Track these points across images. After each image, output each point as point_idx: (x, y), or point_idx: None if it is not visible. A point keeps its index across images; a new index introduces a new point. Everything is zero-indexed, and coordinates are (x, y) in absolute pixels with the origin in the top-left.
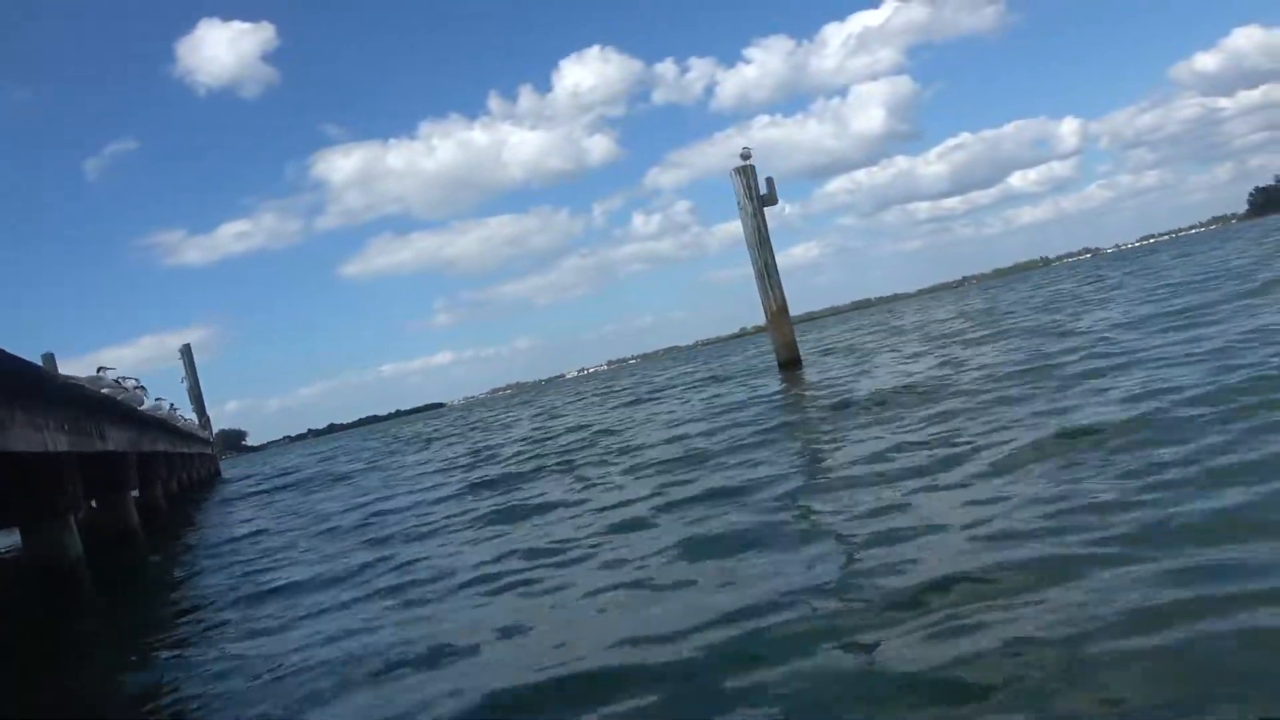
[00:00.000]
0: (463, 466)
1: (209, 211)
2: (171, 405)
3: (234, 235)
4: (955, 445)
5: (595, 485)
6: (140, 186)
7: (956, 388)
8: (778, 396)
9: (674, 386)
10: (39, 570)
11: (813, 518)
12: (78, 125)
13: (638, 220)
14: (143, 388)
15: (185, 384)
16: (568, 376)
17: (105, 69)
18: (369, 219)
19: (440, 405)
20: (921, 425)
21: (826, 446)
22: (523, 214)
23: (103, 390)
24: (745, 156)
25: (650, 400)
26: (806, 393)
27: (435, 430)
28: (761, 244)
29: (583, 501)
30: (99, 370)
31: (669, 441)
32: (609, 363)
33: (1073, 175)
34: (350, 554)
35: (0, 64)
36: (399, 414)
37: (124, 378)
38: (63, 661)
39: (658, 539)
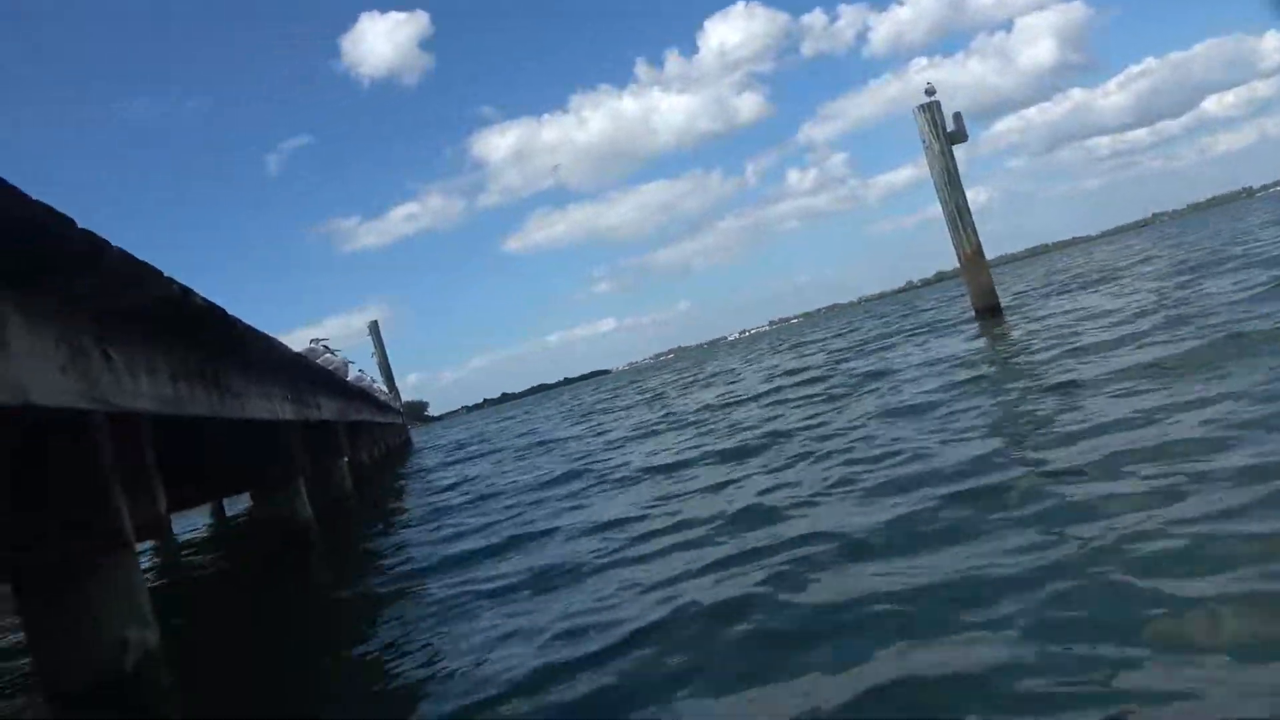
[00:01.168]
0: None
1: (379, 197)
2: (372, 379)
3: (403, 218)
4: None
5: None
6: (316, 177)
7: (1205, 322)
8: (985, 345)
9: (871, 342)
10: (276, 532)
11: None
12: (256, 125)
13: (792, 177)
14: (351, 361)
15: (374, 358)
16: (729, 338)
17: (277, 70)
18: (527, 195)
19: (605, 372)
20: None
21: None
22: (675, 179)
23: (317, 362)
24: (930, 93)
25: (857, 357)
26: (1024, 340)
27: (618, 394)
28: (951, 184)
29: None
30: (311, 342)
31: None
32: (771, 322)
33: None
34: (558, 506)
35: (183, 75)
36: (567, 381)
37: (333, 350)
38: (312, 612)
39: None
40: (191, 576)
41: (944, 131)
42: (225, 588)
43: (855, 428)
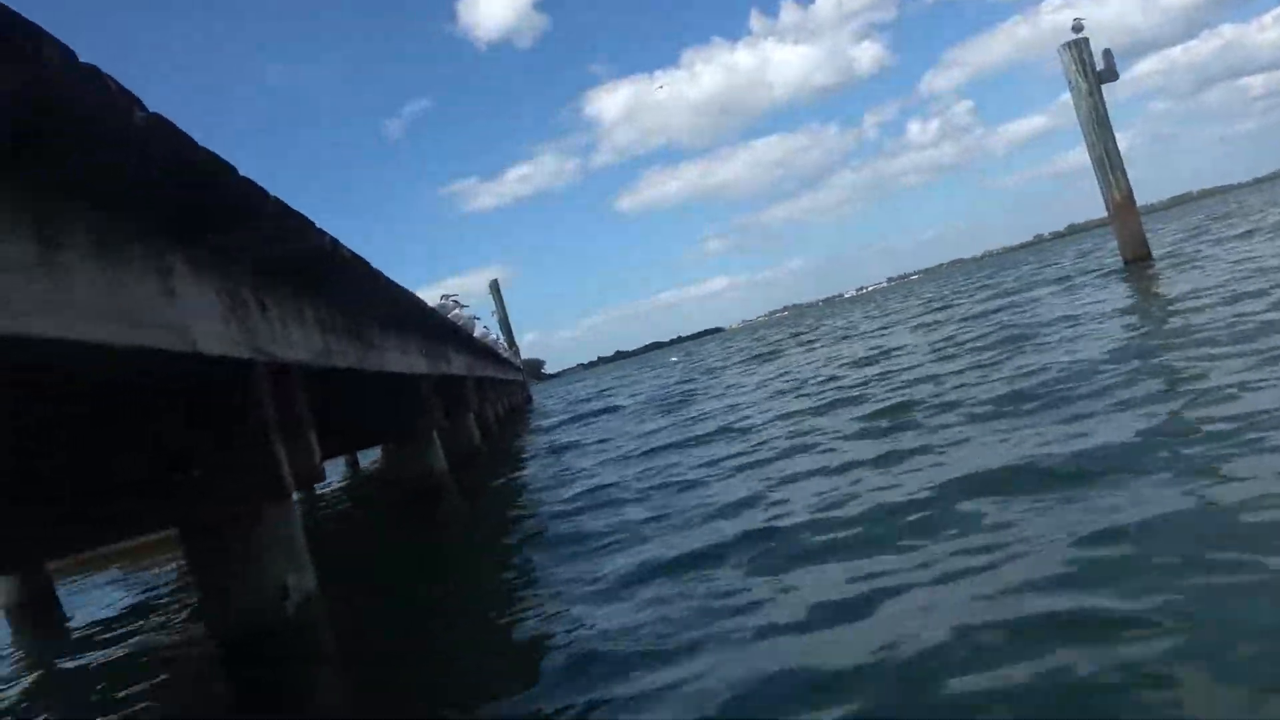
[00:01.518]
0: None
1: (496, 158)
2: (496, 336)
3: (518, 179)
4: None
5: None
6: (436, 141)
7: None
8: (1142, 297)
9: (1015, 294)
10: (413, 483)
11: None
12: (378, 91)
13: (913, 128)
14: (477, 318)
15: (495, 315)
16: (845, 296)
17: (397, 36)
18: (639, 153)
19: (719, 330)
20: None
21: None
22: (789, 133)
23: (448, 316)
24: (1077, 29)
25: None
26: (1185, 292)
27: (739, 350)
28: (1100, 126)
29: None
30: (442, 298)
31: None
32: (889, 279)
33: None
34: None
35: (309, 43)
36: (680, 339)
37: (462, 305)
38: (448, 560)
39: None
40: (331, 528)
41: (1092, 70)
42: (365, 537)
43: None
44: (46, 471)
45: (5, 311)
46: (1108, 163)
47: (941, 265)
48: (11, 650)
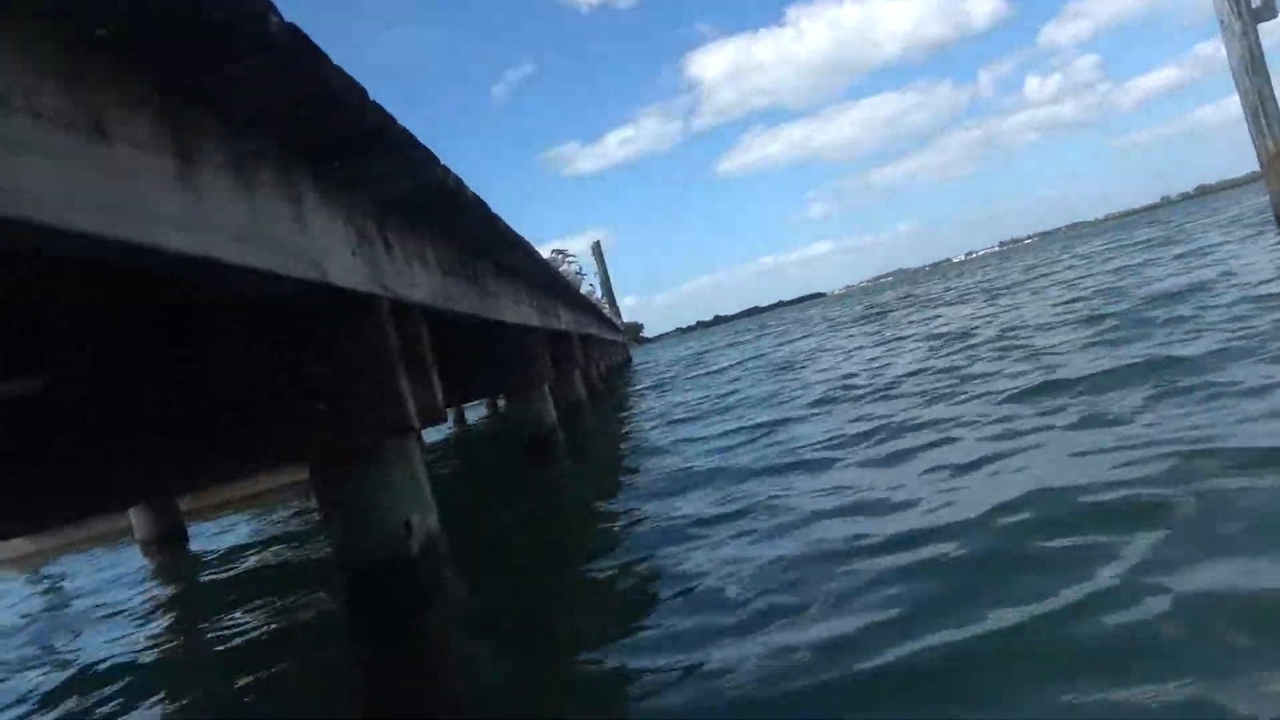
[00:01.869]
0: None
1: (597, 122)
2: (600, 296)
3: (619, 142)
4: None
5: None
6: (539, 105)
7: None
8: None
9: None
10: (523, 435)
11: None
12: (485, 56)
13: (1031, 84)
14: (583, 272)
15: (597, 276)
16: (954, 260)
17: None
18: (740, 114)
19: (820, 295)
20: None
21: None
22: (898, 91)
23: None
24: None
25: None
26: None
27: (847, 315)
28: (1254, 71)
29: None
30: (553, 252)
31: None
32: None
33: None
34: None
35: (418, 8)
36: (780, 305)
37: (570, 259)
38: (557, 510)
39: None
40: (443, 475)
41: (1247, 7)
42: (475, 487)
43: None
44: (178, 403)
45: (147, 223)
46: (1262, 112)
47: (1058, 229)
48: (147, 579)
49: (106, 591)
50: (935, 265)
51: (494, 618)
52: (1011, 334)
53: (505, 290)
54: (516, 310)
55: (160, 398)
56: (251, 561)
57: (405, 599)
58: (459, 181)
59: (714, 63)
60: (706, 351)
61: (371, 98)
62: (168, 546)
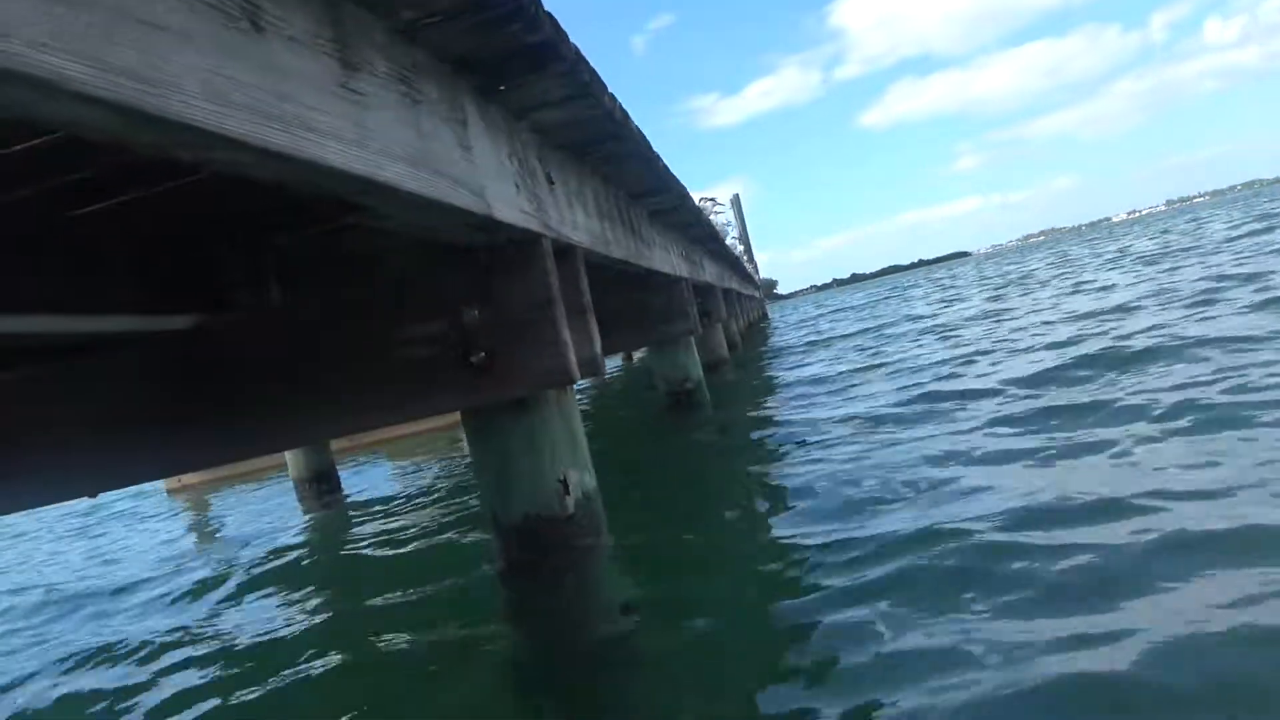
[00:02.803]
0: None
1: (736, 73)
2: (742, 249)
3: (759, 94)
4: None
5: None
6: (678, 56)
7: None
8: None
9: None
10: (670, 387)
11: None
12: (624, 5)
13: (1210, 28)
14: (730, 224)
15: (735, 232)
16: (1115, 220)
17: None
18: (887, 64)
19: (965, 254)
20: None
21: None
22: (1059, 38)
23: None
24: None
25: None
26: None
27: (1003, 274)
28: None
29: None
30: (700, 200)
31: None
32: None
33: None
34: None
35: None
36: (921, 263)
37: (718, 208)
38: (705, 467)
39: None
40: (588, 430)
41: None
42: (622, 442)
43: None
44: (335, 349)
45: (307, 133)
46: None
47: (1234, 187)
48: (303, 517)
49: (267, 526)
50: (1093, 224)
51: (648, 581)
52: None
53: (656, 238)
54: (668, 259)
55: (316, 341)
56: (399, 504)
57: (560, 560)
58: (625, 113)
59: (859, 10)
60: (846, 309)
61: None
62: (319, 486)
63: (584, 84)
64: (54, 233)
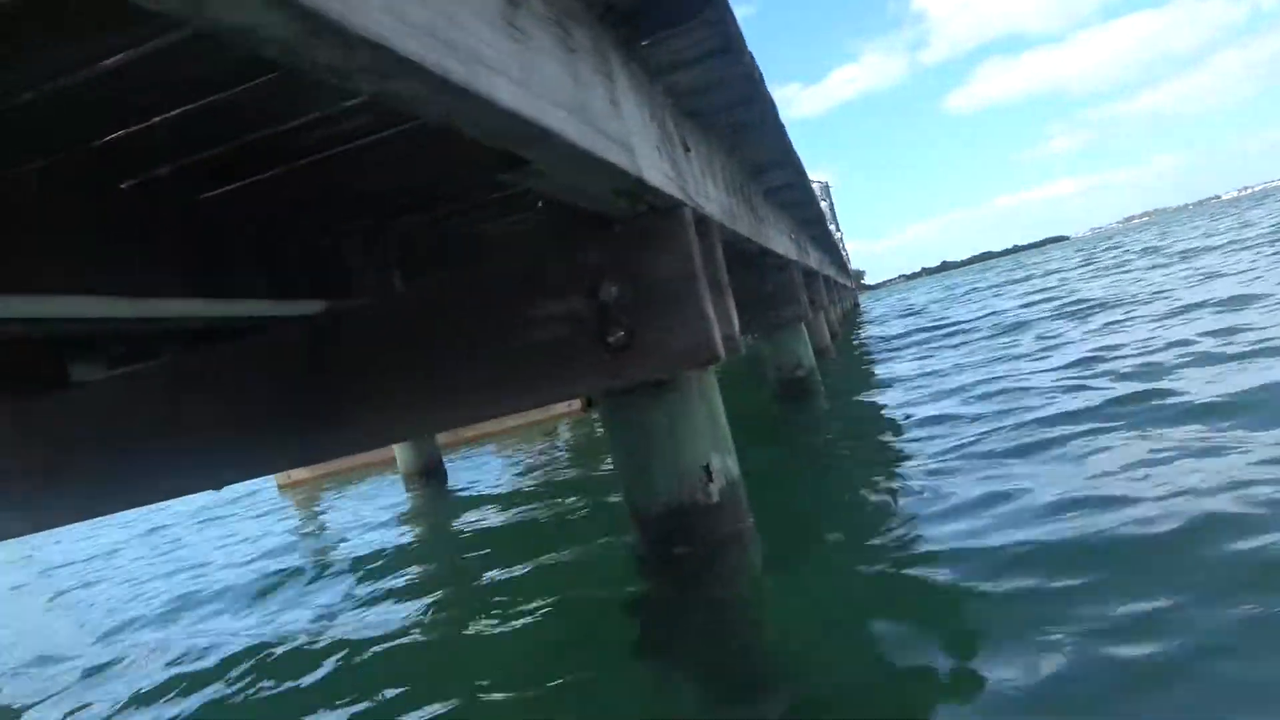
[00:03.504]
0: None
1: (819, 62)
2: (841, 235)
3: (842, 81)
4: None
5: None
6: (760, 47)
7: None
8: None
9: None
10: (779, 375)
11: None
12: None
13: None
14: (833, 209)
15: (827, 219)
16: (1223, 197)
17: None
18: (973, 45)
19: (1063, 238)
20: None
21: None
22: (1159, 9)
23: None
24: None
25: None
26: None
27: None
28: None
29: None
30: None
31: None
32: None
33: None
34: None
35: None
36: (1016, 249)
37: (827, 194)
38: (828, 461)
39: None
40: None
41: None
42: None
43: None
44: (461, 330)
45: (479, 65)
46: None
47: None
48: (413, 511)
49: (376, 522)
50: (1200, 204)
51: (796, 576)
52: None
53: (770, 217)
54: (780, 240)
55: (442, 326)
56: (507, 497)
57: (705, 552)
58: (761, 74)
59: None
60: (941, 299)
61: None
62: (427, 479)
63: (730, 36)
64: (185, 217)
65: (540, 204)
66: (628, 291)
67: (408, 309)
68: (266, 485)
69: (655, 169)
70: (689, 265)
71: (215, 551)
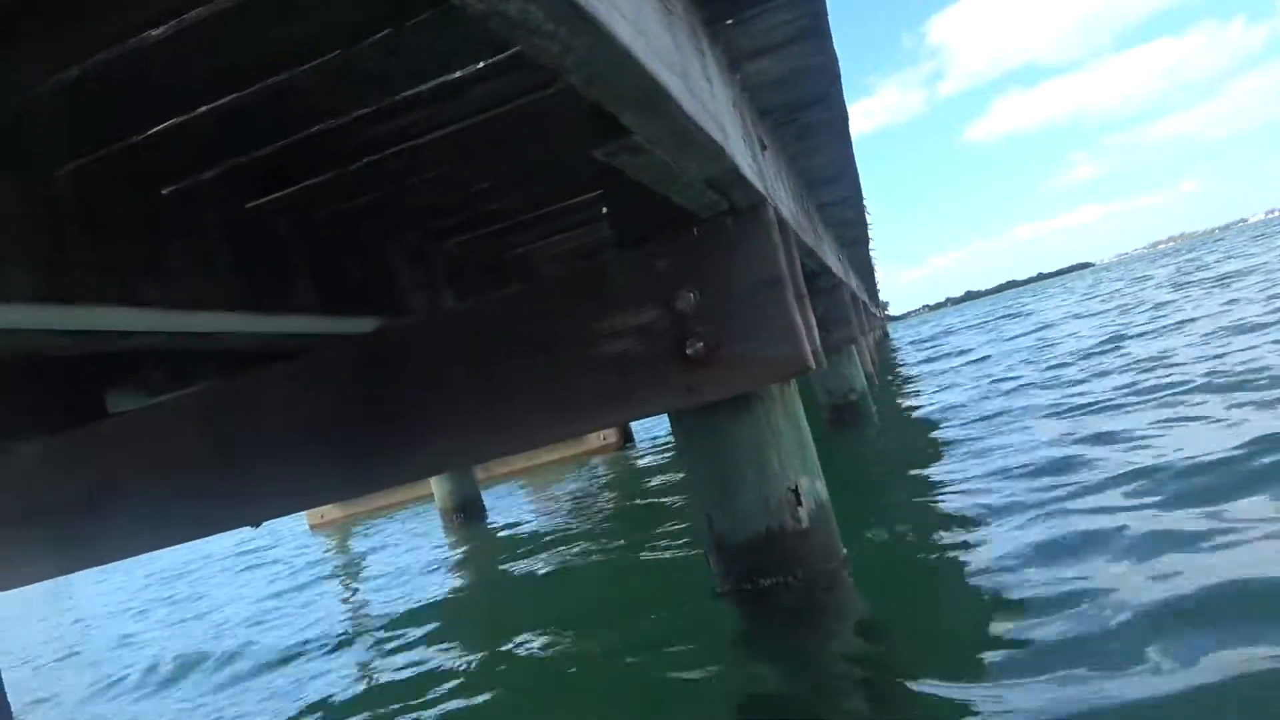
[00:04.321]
0: None
1: None
2: (874, 263)
3: (860, 116)
4: None
5: None
6: None
7: None
8: None
9: None
10: (830, 399)
11: None
12: None
13: None
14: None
15: None
16: (1251, 220)
17: None
18: (991, 76)
19: (1087, 265)
20: None
21: None
22: (1177, 36)
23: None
24: None
25: None
26: None
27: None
28: None
29: None
30: None
31: None
32: None
33: None
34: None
35: None
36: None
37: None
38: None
39: None
40: None
41: None
42: None
43: None
44: (522, 348)
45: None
46: None
47: None
48: (451, 547)
49: (425, 556)
50: (1225, 227)
51: (893, 602)
52: None
53: (823, 234)
54: (831, 258)
55: (501, 344)
56: (552, 535)
57: (798, 583)
58: (839, 71)
59: (959, 24)
60: (974, 325)
61: None
62: (465, 516)
63: (819, 15)
64: (233, 226)
65: (605, 210)
66: (706, 300)
67: (465, 327)
68: (287, 524)
69: (744, 158)
70: (775, 268)
71: (298, 610)
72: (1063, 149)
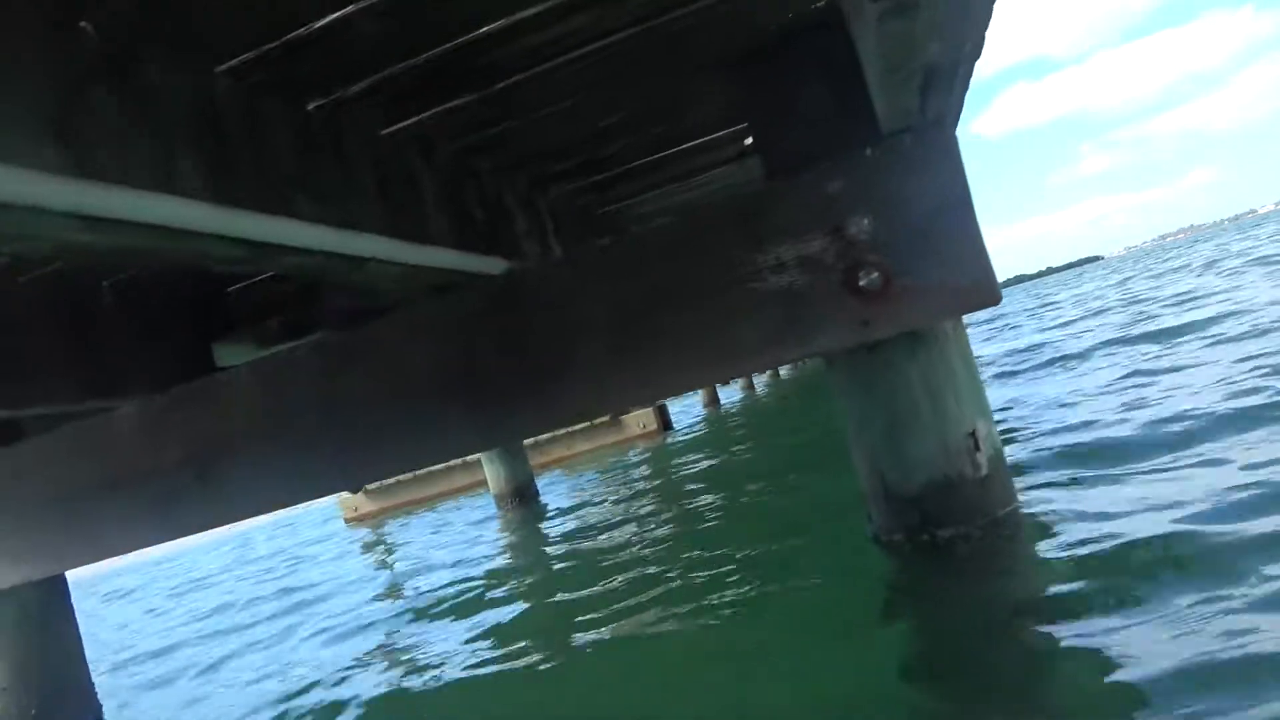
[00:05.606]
0: None
1: None
2: None
3: None
4: None
5: None
6: None
7: None
8: None
9: None
10: None
11: None
12: None
13: None
14: None
15: None
16: (1261, 210)
17: None
18: (996, 70)
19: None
20: None
21: None
22: (1184, 26)
23: None
24: None
25: None
26: None
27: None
28: None
29: None
30: None
31: None
32: None
33: None
34: None
35: None
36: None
37: None
38: None
39: None
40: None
41: None
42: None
43: None
44: (668, 288)
45: None
46: None
47: None
48: (508, 530)
49: (485, 545)
50: (1236, 219)
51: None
52: None
53: None
54: None
55: (645, 287)
56: (621, 518)
57: (979, 534)
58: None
59: None
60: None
61: None
62: (520, 501)
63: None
64: (379, 156)
65: (750, 141)
66: (880, 226)
67: (603, 269)
68: (309, 514)
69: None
70: (959, 189)
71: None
72: (1070, 143)
